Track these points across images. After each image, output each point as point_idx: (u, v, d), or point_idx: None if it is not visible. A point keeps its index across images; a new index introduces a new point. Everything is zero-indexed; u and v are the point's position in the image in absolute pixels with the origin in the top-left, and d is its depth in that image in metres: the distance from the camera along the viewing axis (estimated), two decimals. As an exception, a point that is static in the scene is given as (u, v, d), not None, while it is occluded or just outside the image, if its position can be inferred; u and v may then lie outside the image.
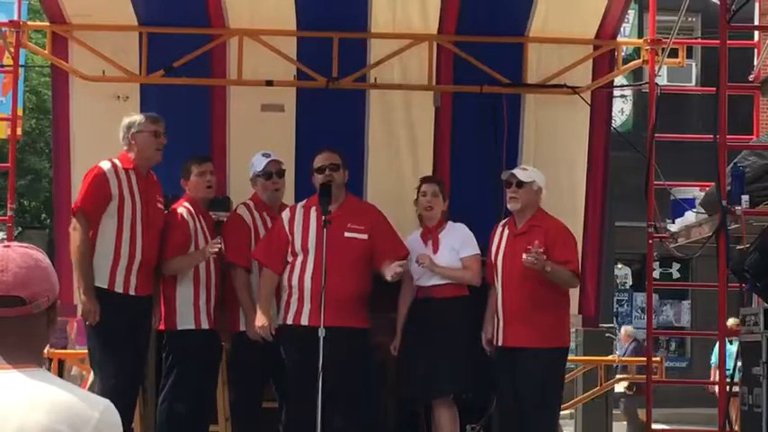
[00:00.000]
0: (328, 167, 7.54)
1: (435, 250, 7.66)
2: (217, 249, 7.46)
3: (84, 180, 7.26)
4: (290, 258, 7.50)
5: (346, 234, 7.45)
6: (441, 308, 7.56)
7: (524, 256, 7.25)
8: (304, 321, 7.34)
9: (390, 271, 7.32)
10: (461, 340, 7.50)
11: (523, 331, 7.39)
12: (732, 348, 13.71)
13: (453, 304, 7.56)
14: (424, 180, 8.02)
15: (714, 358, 14.12)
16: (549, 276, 7.33)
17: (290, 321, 7.42)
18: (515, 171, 7.73)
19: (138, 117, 7.45)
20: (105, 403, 2.46)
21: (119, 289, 7.14)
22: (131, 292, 7.19)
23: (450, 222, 7.76)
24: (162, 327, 7.57)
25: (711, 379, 14.08)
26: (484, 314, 7.67)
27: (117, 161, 7.25)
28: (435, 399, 7.59)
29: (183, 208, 7.65)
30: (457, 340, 7.48)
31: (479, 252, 7.67)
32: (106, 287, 7.12)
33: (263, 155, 7.94)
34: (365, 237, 7.51)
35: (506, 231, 7.66)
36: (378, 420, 7.66)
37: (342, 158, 7.67)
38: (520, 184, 7.58)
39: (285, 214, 7.61)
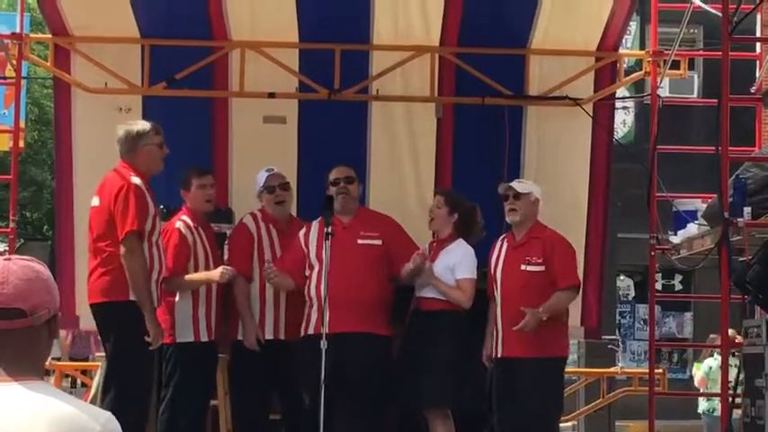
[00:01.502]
0: (343, 180, 7.72)
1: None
2: (227, 280, 7.48)
3: (125, 199, 6.83)
4: (307, 272, 7.62)
5: (359, 241, 7.60)
6: (426, 320, 7.59)
7: (521, 324, 7.30)
8: (324, 329, 7.34)
9: (404, 268, 7.48)
10: (448, 354, 7.49)
11: (522, 341, 7.39)
12: (715, 363, 13.73)
13: (438, 318, 7.56)
14: (435, 192, 8.08)
15: (702, 373, 14.03)
16: (551, 316, 7.37)
17: (311, 331, 7.50)
18: (512, 183, 7.77)
19: (142, 127, 7.19)
20: (107, 416, 2.45)
21: (153, 303, 6.99)
22: (156, 305, 7.03)
23: (459, 240, 7.76)
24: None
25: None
26: (476, 330, 7.67)
27: (132, 173, 6.99)
28: (420, 409, 7.62)
29: (180, 222, 7.64)
30: (442, 354, 7.48)
31: (475, 276, 7.67)
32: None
33: (266, 170, 7.98)
34: (379, 242, 7.64)
35: (505, 244, 7.70)
36: (383, 428, 7.67)
37: (356, 173, 7.87)
38: (517, 195, 7.63)
39: (302, 231, 7.75)
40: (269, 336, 7.70)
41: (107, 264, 6.89)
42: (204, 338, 7.55)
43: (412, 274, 7.54)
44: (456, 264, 7.62)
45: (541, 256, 7.49)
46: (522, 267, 7.50)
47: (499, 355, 7.52)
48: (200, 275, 7.58)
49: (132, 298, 6.90)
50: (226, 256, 7.85)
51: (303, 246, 7.67)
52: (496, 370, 7.56)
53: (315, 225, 7.70)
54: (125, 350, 6.92)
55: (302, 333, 7.57)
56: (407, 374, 7.52)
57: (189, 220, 7.65)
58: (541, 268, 7.48)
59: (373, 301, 7.51)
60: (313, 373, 7.16)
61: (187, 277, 7.53)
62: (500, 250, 7.68)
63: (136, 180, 6.91)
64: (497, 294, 7.59)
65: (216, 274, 7.51)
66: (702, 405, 14.09)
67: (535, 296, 7.43)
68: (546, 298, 7.44)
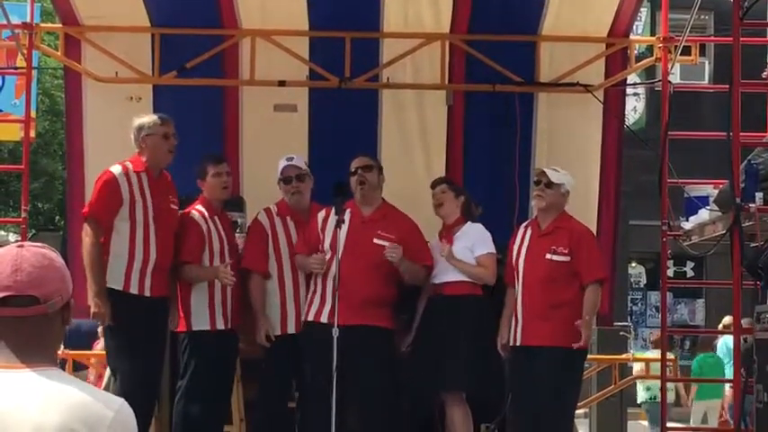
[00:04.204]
0: (361, 169, 7.67)
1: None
2: (229, 282, 7.46)
3: (96, 185, 7.28)
4: None
5: (375, 240, 7.55)
6: (450, 305, 7.55)
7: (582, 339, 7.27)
8: (324, 319, 7.39)
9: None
10: (470, 338, 7.48)
11: (542, 330, 7.34)
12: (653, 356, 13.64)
13: (463, 302, 7.54)
14: (432, 186, 8.02)
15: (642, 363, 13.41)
16: (574, 309, 7.36)
17: (311, 318, 7.51)
18: (547, 170, 7.65)
19: (147, 120, 7.41)
20: (120, 402, 2.46)
21: (134, 290, 7.14)
22: (146, 293, 7.18)
23: (469, 223, 7.75)
24: (178, 328, 7.57)
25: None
26: (496, 314, 7.64)
27: (129, 164, 7.25)
28: (439, 392, 7.60)
29: (195, 211, 7.65)
30: (465, 338, 7.46)
31: (494, 251, 7.65)
32: (121, 288, 7.12)
33: (286, 159, 7.97)
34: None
35: (529, 231, 7.63)
36: (393, 421, 7.67)
37: (376, 162, 7.86)
38: (549, 184, 7.55)
39: (320, 215, 7.71)
40: (291, 330, 7.69)
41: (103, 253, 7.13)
42: (220, 326, 7.54)
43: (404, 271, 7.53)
44: (474, 242, 7.60)
45: (567, 246, 7.41)
46: (548, 257, 7.42)
47: (518, 343, 7.47)
48: (207, 272, 7.56)
49: (118, 286, 7.10)
50: (241, 252, 7.85)
51: (320, 230, 7.64)
52: (514, 357, 7.51)
53: (334, 212, 7.70)
54: (117, 337, 7.11)
55: (303, 318, 7.57)
56: (427, 358, 7.50)
57: (204, 210, 7.66)
58: (567, 258, 7.41)
59: (379, 297, 7.50)
60: (319, 362, 7.17)
61: (194, 273, 7.52)
62: (523, 238, 7.61)
63: (114, 169, 7.20)
64: (518, 283, 7.52)
65: (219, 273, 7.47)
66: (642, 395, 13.98)
67: (558, 286, 7.38)
68: (568, 288, 7.40)
